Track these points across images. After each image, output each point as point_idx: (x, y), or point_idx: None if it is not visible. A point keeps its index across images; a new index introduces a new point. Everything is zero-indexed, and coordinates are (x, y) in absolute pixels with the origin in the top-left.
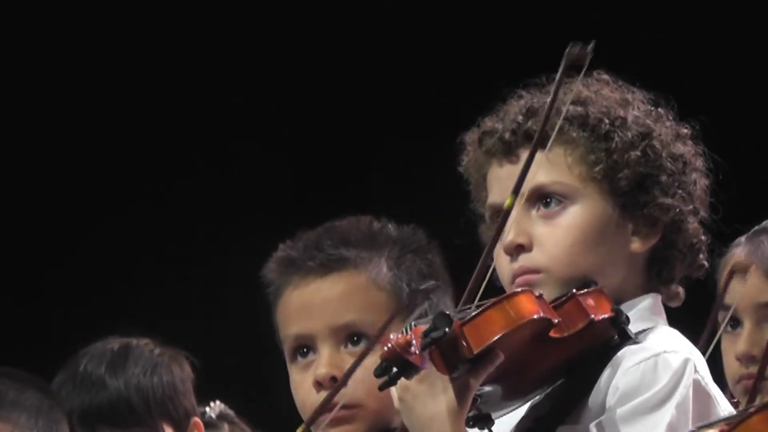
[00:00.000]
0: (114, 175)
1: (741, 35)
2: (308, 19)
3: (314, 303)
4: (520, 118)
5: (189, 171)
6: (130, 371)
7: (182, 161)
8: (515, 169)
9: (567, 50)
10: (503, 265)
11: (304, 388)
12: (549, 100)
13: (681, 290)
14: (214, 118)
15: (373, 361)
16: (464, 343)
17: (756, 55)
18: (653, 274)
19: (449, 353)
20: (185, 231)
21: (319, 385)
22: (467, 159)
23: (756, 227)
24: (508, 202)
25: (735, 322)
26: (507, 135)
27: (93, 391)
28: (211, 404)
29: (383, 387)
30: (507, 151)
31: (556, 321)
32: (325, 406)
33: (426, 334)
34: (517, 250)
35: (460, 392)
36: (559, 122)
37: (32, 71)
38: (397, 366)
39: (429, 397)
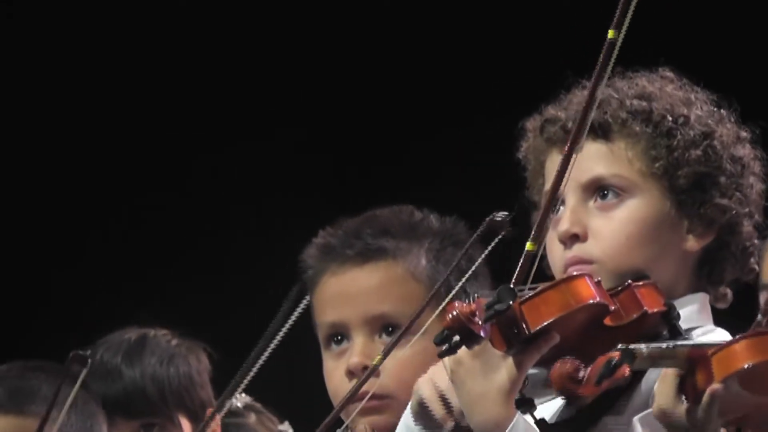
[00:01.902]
0: (133, 164)
1: None
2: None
3: (350, 292)
4: (583, 107)
5: (215, 160)
6: (146, 361)
7: (208, 151)
8: (575, 159)
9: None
10: (556, 252)
11: (337, 376)
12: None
13: (729, 292)
14: (234, 107)
15: (404, 352)
16: (521, 322)
17: None
18: (703, 274)
19: (507, 330)
20: (207, 221)
21: (351, 374)
22: (526, 145)
23: None
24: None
25: None
26: (570, 124)
27: (109, 381)
28: (237, 395)
29: (443, 355)
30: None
31: (613, 308)
32: (354, 396)
33: (489, 305)
34: (571, 239)
35: (513, 372)
36: (620, 113)
37: (38, 69)
38: (460, 335)
39: (481, 374)
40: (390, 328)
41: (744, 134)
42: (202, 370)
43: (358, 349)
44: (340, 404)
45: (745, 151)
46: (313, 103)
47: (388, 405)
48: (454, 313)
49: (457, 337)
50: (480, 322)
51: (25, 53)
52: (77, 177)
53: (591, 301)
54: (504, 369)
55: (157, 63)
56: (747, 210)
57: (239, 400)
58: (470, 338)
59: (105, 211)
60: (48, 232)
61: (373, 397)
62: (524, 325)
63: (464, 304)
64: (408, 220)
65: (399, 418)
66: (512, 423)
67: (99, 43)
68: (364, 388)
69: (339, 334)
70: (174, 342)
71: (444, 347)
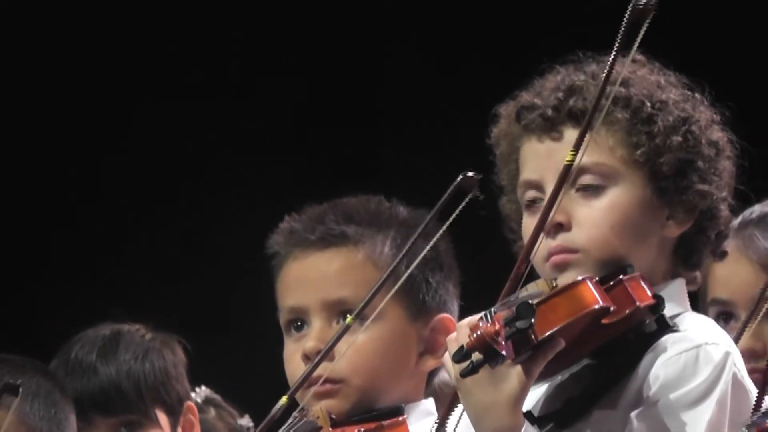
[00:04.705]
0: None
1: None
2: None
3: (310, 276)
4: (560, 94)
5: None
6: (121, 357)
7: (179, 148)
8: (556, 146)
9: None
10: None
11: (295, 360)
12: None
13: (699, 274)
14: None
15: (359, 338)
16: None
17: None
18: (679, 259)
19: (515, 339)
20: (177, 213)
21: (307, 358)
22: (498, 130)
23: (740, 219)
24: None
25: (727, 316)
26: (549, 111)
27: (84, 379)
28: (197, 389)
29: (465, 375)
30: (549, 128)
31: (612, 309)
32: (307, 378)
33: (510, 323)
34: (555, 228)
35: (522, 380)
36: (597, 101)
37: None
38: (484, 354)
39: (489, 384)
40: (348, 314)
41: (716, 117)
42: (177, 363)
43: (314, 333)
44: (293, 387)
45: (719, 134)
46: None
47: (340, 390)
48: (479, 332)
49: (479, 356)
50: (503, 342)
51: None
52: (45, 169)
53: (596, 306)
54: (512, 378)
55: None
56: (723, 194)
57: (199, 394)
58: (495, 358)
59: (73, 205)
60: (19, 228)
61: (327, 381)
62: (531, 333)
63: (488, 324)
64: (374, 208)
65: (351, 403)
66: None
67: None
68: (318, 372)
69: (299, 320)
70: (148, 336)
71: (466, 367)
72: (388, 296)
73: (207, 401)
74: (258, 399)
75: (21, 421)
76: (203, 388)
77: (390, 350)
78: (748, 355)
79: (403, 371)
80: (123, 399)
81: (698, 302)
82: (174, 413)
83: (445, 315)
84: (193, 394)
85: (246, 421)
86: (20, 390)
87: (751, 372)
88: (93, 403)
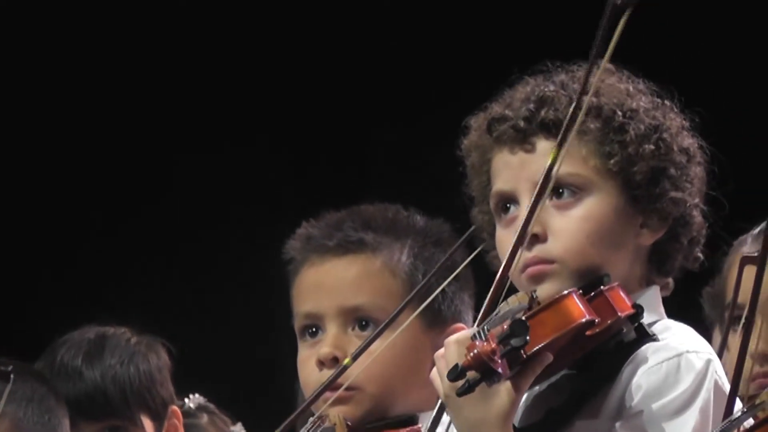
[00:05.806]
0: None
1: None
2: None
3: (327, 282)
4: (531, 105)
5: (182, 165)
6: (107, 362)
7: (175, 155)
8: (529, 158)
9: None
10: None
11: (309, 365)
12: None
13: (671, 281)
14: (205, 110)
15: (378, 345)
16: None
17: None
18: (653, 266)
19: (508, 356)
20: (175, 221)
21: (321, 364)
22: (469, 141)
23: (763, 225)
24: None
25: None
26: (521, 123)
27: (70, 383)
28: (190, 396)
29: (462, 394)
30: (521, 139)
31: (597, 321)
32: (324, 392)
33: (504, 341)
34: (531, 239)
35: (512, 396)
36: (569, 110)
37: (31, 69)
38: (481, 373)
39: (479, 400)
40: (364, 322)
41: (686, 123)
42: (162, 367)
43: (330, 340)
44: (311, 397)
45: (690, 140)
46: (276, 106)
47: (354, 396)
48: (475, 351)
49: (475, 375)
50: (498, 360)
51: (21, 56)
52: (47, 181)
53: (583, 320)
54: (502, 394)
55: (135, 66)
56: (696, 200)
57: (192, 401)
58: (492, 376)
59: (70, 206)
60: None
61: (341, 388)
62: (522, 349)
63: (483, 343)
64: (392, 216)
65: (364, 410)
66: None
67: (79, 51)
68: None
69: (314, 326)
70: (133, 340)
71: (462, 385)
72: (414, 315)
73: (200, 408)
74: (251, 407)
75: (14, 427)
76: (196, 395)
77: (404, 358)
78: (761, 359)
79: (417, 379)
80: (109, 404)
81: (714, 306)
82: (158, 418)
83: (459, 325)
84: (186, 400)
85: (238, 428)
86: (12, 376)
87: (762, 375)
88: (78, 408)
